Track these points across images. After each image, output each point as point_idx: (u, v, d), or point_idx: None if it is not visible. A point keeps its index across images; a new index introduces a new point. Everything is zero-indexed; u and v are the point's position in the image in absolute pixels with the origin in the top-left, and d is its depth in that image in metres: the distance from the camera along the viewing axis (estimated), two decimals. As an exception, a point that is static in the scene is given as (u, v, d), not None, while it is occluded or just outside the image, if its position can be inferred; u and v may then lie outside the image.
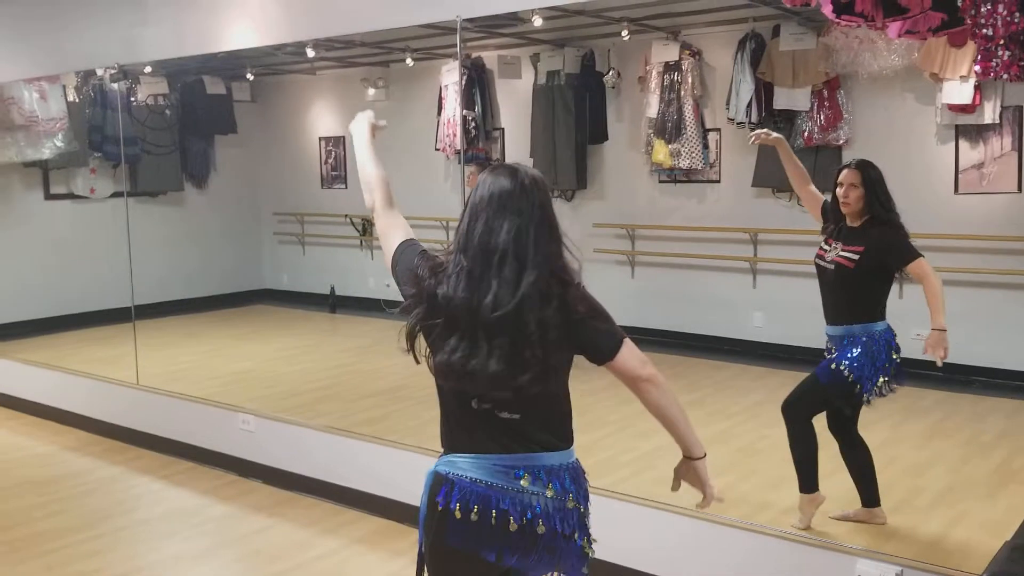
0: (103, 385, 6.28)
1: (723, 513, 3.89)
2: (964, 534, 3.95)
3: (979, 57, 3.51)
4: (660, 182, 7.77)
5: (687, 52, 7.32)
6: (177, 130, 9.62)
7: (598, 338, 2.21)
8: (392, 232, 2.36)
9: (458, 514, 2.14)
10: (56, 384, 6.60)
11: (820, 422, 4.04)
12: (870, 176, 3.88)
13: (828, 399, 3.98)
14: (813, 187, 4.22)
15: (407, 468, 4.27)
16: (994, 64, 3.48)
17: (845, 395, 3.90)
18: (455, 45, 8.12)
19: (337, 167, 9.75)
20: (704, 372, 7.00)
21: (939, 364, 3.69)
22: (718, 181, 7.52)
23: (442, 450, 2.27)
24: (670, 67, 7.36)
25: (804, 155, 6.74)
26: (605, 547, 3.88)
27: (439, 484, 2.19)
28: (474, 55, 8.33)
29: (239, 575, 4.14)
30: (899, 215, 3.91)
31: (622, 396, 6.34)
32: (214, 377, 7.07)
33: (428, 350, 2.21)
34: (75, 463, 5.69)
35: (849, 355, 3.86)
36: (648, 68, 7.47)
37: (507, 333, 2.08)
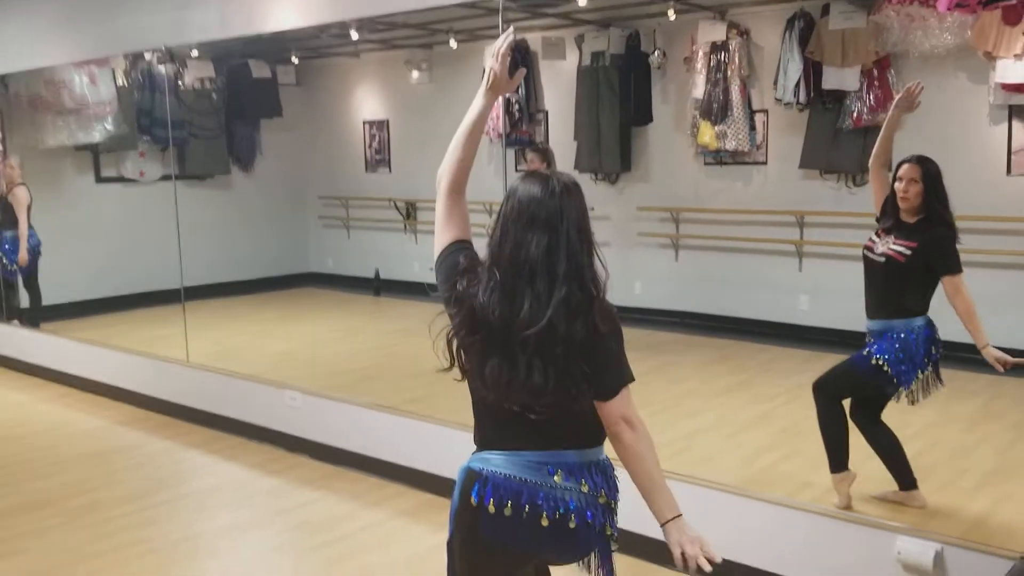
0: (154, 363, 6.39)
1: (769, 490, 3.90)
2: (1009, 515, 3.90)
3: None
4: (705, 164, 7.71)
5: (735, 31, 7.24)
6: (223, 114, 9.72)
7: (606, 372, 2.14)
8: (449, 224, 2.28)
9: (492, 508, 2.15)
10: (108, 362, 6.73)
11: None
12: (930, 172, 3.81)
13: (860, 386, 3.97)
14: (887, 172, 4.13)
15: (449, 443, 4.30)
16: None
17: (878, 386, 3.88)
18: (498, 26, 8.16)
19: (381, 151, 9.79)
20: (749, 355, 6.95)
21: (1002, 370, 3.67)
22: (764, 163, 7.44)
23: (475, 447, 2.27)
24: (717, 47, 7.28)
25: (853, 136, 6.68)
26: (644, 522, 3.90)
27: (472, 480, 2.19)
28: (518, 36, 8.32)
29: (286, 545, 4.19)
30: (953, 215, 3.85)
31: (669, 376, 6.37)
32: (261, 357, 7.16)
33: (463, 356, 2.18)
34: (128, 437, 5.80)
35: (887, 348, 3.83)
36: (694, 48, 7.40)
37: (539, 349, 2.07)
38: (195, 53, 8.69)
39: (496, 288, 2.09)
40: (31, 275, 7.76)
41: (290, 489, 4.85)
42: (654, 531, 3.61)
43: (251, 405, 5.61)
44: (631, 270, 8.25)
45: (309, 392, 5.27)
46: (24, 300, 7.95)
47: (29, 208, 7.63)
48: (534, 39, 8.29)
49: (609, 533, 2.23)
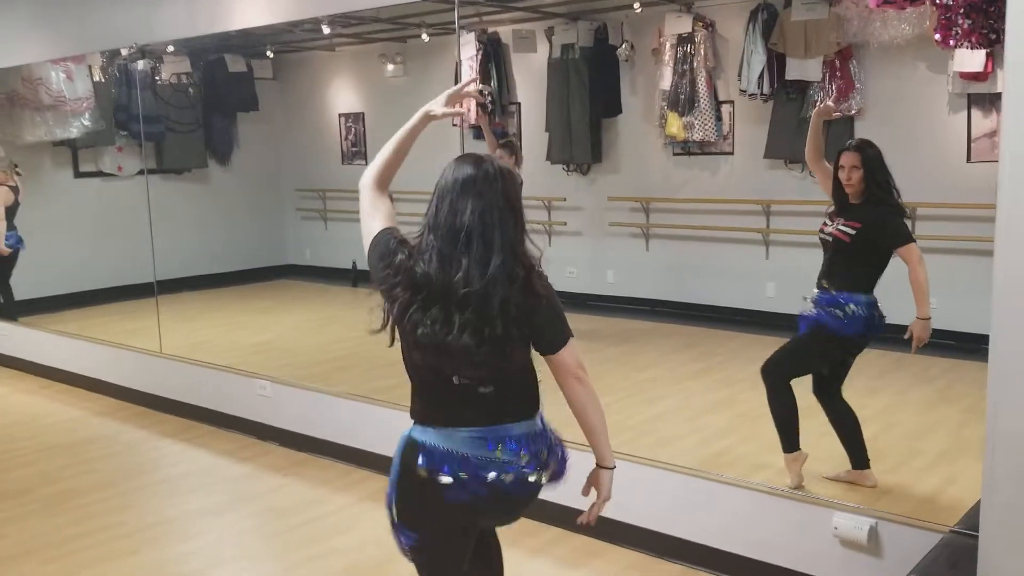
0: (129, 354, 6.49)
1: (723, 472, 4.03)
2: (956, 494, 4.01)
3: (939, 25, 3.54)
4: (674, 155, 7.83)
5: (700, 24, 7.35)
6: (200, 108, 9.79)
7: (550, 329, 2.31)
8: (376, 215, 2.44)
9: (438, 478, 2.27)
10: (85, 353, 6.83)
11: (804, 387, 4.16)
12: (868, 156, 3.94)
13: (806, 355, 4.12)
14: (826, 163, 4.27)
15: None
16: (954, 32, 3.51)
17: (822, 352, 4.04)
18: (467, 17, 8.24)
19: (357, 143, 9.88)
20: (718, 342, 7.08)
21: (912, 351, 3.85)
22: (731, 153, 7.57)
23: (414, 420, 2.39)
24: (683, 39, 7.40)
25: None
26: (644, 517, 3.99)
27: (415, 450, 2.31)
28: (490, 30, 8.42)
29: (255, 528, 4.32)
30: (898, 195, 3.98)
31: (634, 364, 6.48)
32: (236, 348, 7.26)
33: (400, 330, 2.30)
34: (103, 427, 5.91)
35: (826, 312, 3.99)
36: (661, 40, 7.52)
37: (474, 309, 2.19)
38: (171, 48, 8.76)
39: (434, 253, 2.22)
40: (3, 274, 7.83)
41: (259, 475, 4.97)
42: (655, 525, 3.78)
43: (222, 395, 5.72)
44: (603, 259, 8.38)
45: (279, 381, 5.38)
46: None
47: (12, 209, 7.72)
48: (505, 32, 8.38)
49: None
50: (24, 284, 8.03)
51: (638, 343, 7.19)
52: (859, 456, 4.12)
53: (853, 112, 6.71)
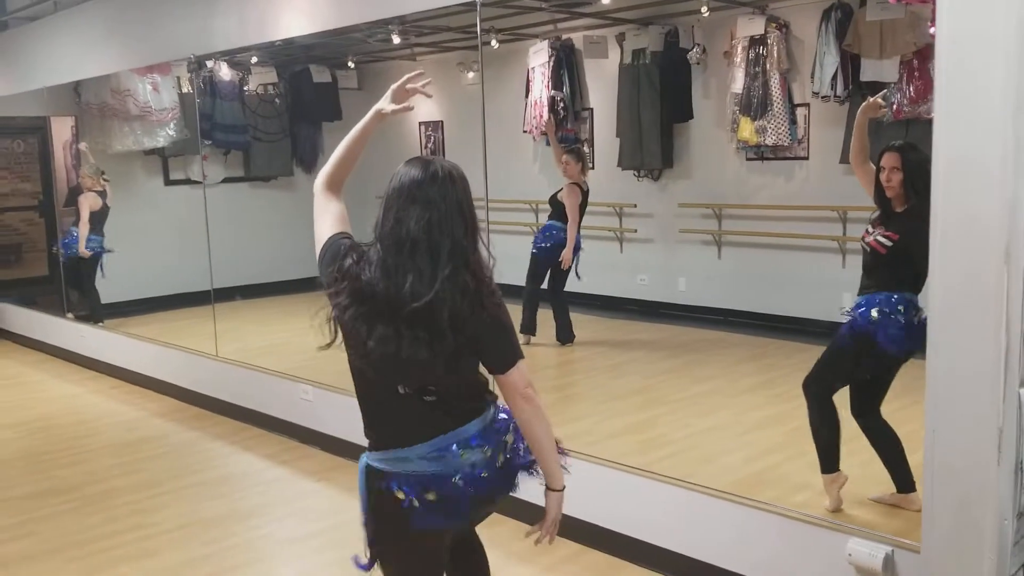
0: (186, 356, 6.66)
1: (760, 492, 3.85)
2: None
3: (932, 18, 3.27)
4: (747, 160, 7.59)
5: (773, 25, 7.11)
6: (287, 118, 10.04)
7: (498, 349, 2.23)
8: (326, 218, 2.36)
9: (416, 503, 2.20)
10: (151, 355, 7.04)
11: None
12: (910, 160, 3.70)
13: (844, 367, 3.87)
14: (871, 164, 4.04)
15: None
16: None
17: (861, 360, 3.79)
18: (539, 24, 8.19)
19: (436, 151, 9.93)
20: (784, 354, 6.81)
21: None
22: (806, 158, 7.28)
23: (368, 443, 2.32)
24: (756, 41, 7.16)
25: (894, 129, 6.46)
26: (615, 519, 3.90)
27: (378, 478, 2.24)
28: (563, 36, 8.35)
29: (277, 533, 4.33)
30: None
31: (693, 375, 6.30)
32: (302, 352, 7.34)
33: (345, 339, 2.24)
34: (160, 428, 6.07)
35: (864, 314, 3.75)
36: (733, 43, 7.30)
37: (424, 324, 2.11)
38: (254, 60, 9.02)
39: (379, 264, 2.15)
40: (87, 277, 8.17)
41: (295, 479, 5.00)
42: (668, 543, 3.65)
43: (270, 398, 5.81)
44: (674, 267, 8.18)
45: (320, 386, 5.42)
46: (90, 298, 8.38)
47: (99, 215, 8.06)
48: (577, 38, 8.30)
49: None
50: (113, 288, 8.35)
51: (702, 353, 6.97)
52: (903, 478, 3.88)
53: (932, 115, 6.34)
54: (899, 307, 3.71)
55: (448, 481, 2.21)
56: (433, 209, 2.14)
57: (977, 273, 2.52)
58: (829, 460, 3.92)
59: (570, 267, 6.95)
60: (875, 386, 3.92)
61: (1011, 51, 2.46)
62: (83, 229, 8.00)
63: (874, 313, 3.73)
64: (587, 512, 3.96)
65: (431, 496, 2.20)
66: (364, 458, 2.31)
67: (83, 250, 8.01)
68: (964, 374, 2.55)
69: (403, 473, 2.21)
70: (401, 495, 2.20)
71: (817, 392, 3.94)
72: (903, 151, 3.75)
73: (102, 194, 8.14)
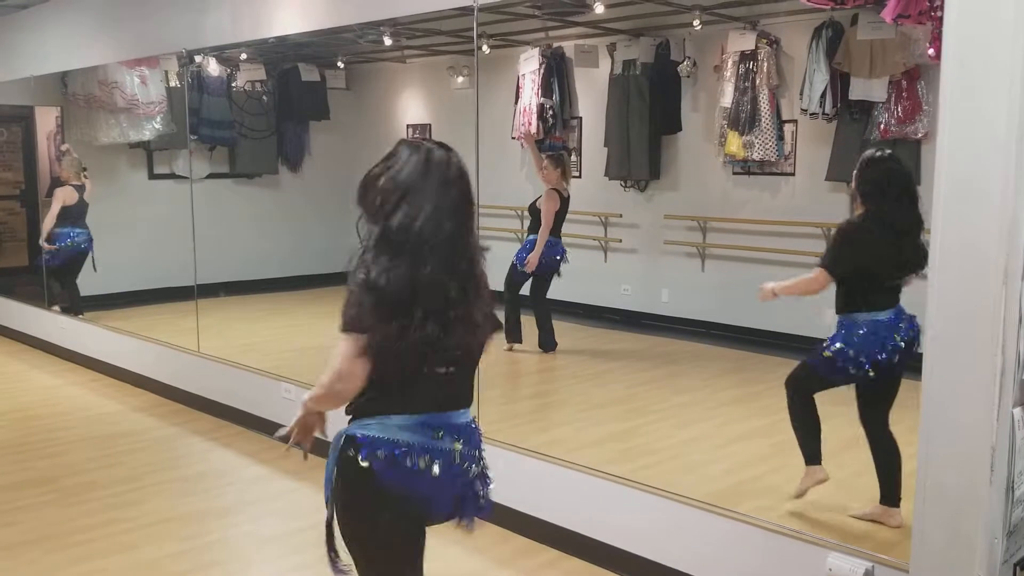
0: (168, 351, 6.62)
1: (740, 504, 3.87)
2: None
3: (932, 39, 3.36)
4: (734, 174, 7.63)
5: (764, 41, 7.16)
6: (274, 115, 10.00)
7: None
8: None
9: (391, 466, 2.24)
10: (132, 349, 6.99)
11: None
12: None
13: (815, 380, 3.97)
14: None
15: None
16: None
17: (829, 379, 3.91)
18: (531, 31, 8.22)
19: (424, 155, 9.92)
20: (766, 368, 6.82)
21: None
22: (792, 174, 7.34)
23: (357, 414, 2.34)
24: (746, 56, 7.22)
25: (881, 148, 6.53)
26: (594, 527, 3.92)
27: (358, 446, 2.28)
28: (555, 44, 8.37)
29: (255, 531, 4.31)
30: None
31: (674, 387, 6.32)
32: (287, 350, 7.34)
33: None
34: (139, 422, 6.02)
35: (840, 337, 3.85)
36: (724, 57, 7.35)
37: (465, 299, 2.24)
38: (243, 56, 8.99)
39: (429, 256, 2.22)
40: (69, 272, 8.11)
41: (275, 477, 4.98)
42: (646, 552, 3.67)
43: (251, 395, 5.78)
44: (658, 278, 8.22)
45: (301, 384, 5.39)
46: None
47: (74, 209, 7.99)
48: (568, 47, 8.33)
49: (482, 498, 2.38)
50: (94, 280, 8.27)
51: (683, 364, 7.00)
52: (890, 491, 3.92)
53: (920, 136, 6.43)
54: (881, 333, 3.80)
55: (423, 452, 2.26)
56: (457, 192, 2.29)
57: (975, 294, 2.55)
58: (810, 452, 3.99)
59: (552, 275, 6.96)
60: (876, 397, 3.95)
61: (1017, 76, 2.48)
62: (48, 222, 7.95)
63: (847, 342, 3.84)
64: (567, 519, 3.97)
65: (409, 460, 2.24)
66: (347, 428, 2.34)
67: (42, 241, 7.97)
68: (959, 393, 2.58)
69: (381, 438, 2.25)
70: (378, 457, 2.24)
71: (797, 388, 4.03)
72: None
73: (80, 188, 8.04)
